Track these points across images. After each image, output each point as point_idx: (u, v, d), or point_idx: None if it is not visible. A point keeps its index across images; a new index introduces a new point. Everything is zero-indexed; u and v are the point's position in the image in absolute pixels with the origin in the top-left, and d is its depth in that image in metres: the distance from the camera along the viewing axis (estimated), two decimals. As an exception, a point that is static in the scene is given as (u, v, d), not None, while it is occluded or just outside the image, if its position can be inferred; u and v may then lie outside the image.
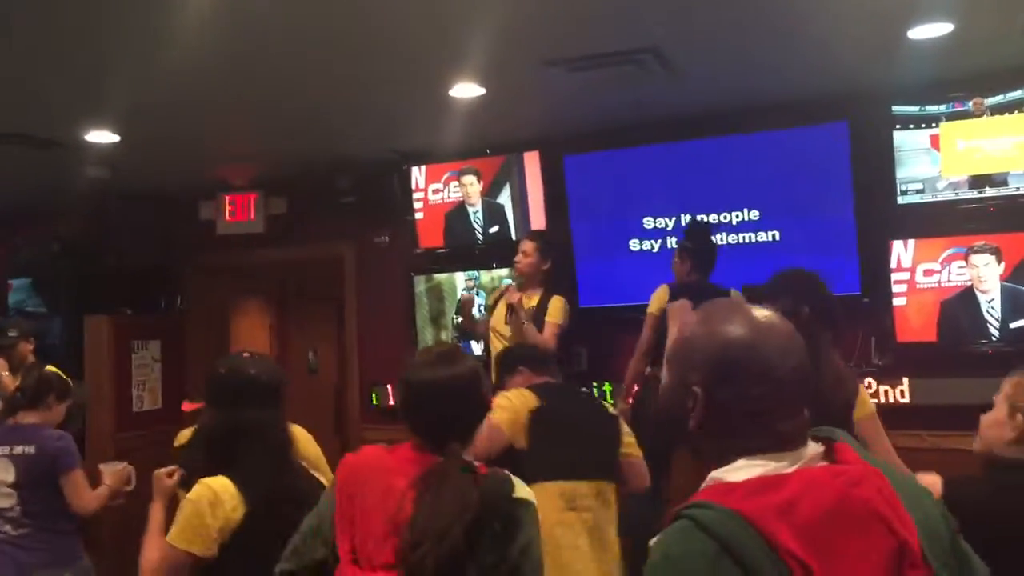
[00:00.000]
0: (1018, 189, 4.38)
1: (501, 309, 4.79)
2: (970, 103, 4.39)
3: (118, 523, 4.59)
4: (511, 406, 3.15)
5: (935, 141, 4.49)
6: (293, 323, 7.91)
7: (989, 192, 4.45)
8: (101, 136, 4.94)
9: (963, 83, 4.35)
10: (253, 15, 3.35)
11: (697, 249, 4.53)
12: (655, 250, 5.21)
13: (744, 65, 4.21)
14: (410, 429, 2.04)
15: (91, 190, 5.93)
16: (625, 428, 3.37)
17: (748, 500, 1.10)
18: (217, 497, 2.27)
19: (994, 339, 4.41)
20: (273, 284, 7.62)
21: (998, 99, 4.35)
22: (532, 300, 4.72)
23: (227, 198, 6.32)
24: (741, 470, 1.18)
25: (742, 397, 1.21)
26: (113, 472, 3.83)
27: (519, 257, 4.80)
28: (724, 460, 1.20)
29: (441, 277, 5.82)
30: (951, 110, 4.46)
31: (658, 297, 4.52)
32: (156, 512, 2.54)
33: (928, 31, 3.70)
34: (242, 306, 7.63)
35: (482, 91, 4.35)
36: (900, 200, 4.58)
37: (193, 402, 3.11)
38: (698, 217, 4.97)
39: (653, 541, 1.16)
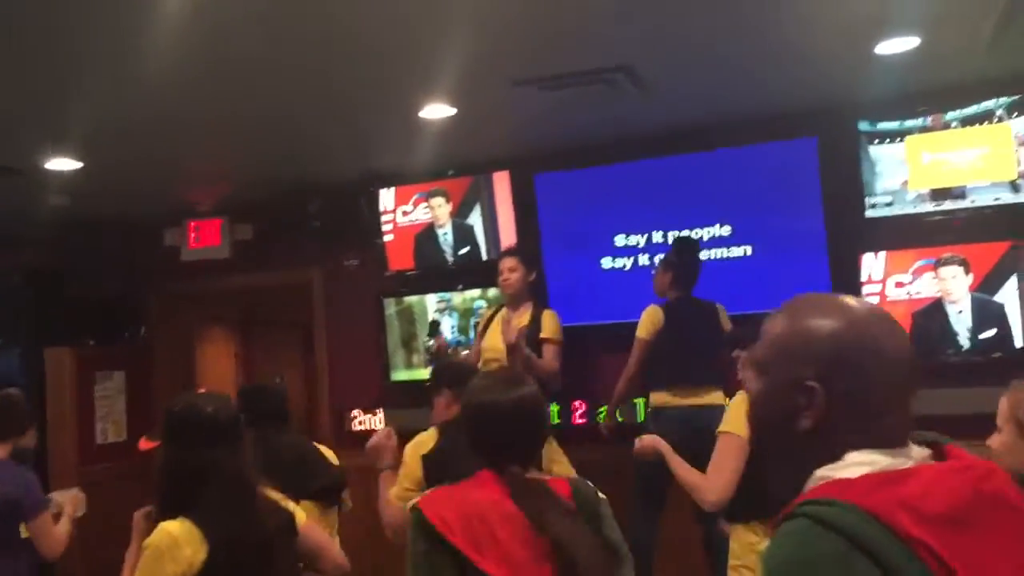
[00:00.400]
0: (975, 201, 4.44)
1: (496, 329, 4.66)
2: (930, 118, 4.46)
3: (95, 568, 4.45)
4: (405, 462, 3.06)
5: (902, 154, 4.55)
6: (259, 350, 7.81)
7: (954, 204, 4.50)
8: (62, 164, 4.84)
9: (930, 97, 4.42)
10: (219, 40, 3.31)
11: (683, 263, 4.52)
12: (627, 268, 5.21)
13: (713, 83, 4.24)
14: (481, 453, 2.02)
15: (52, 218, 5.81)
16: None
17: (872, 494, 1.03)
18: (176, 542, 2.18)
19: (964, 349, 4.46)
20: (239, 311, 7.51)
21: (959, 113, 4.42)
22: (523, 318, 4.59)
23: (192, 224, 6.22)
24: (852, 467, 1.11)
25: (864, 386, 1.14)
26: (71, 499, 3.64)
27: (504, 275, 4.66)
28: (833, 459, 1.13)
29: (412, 300, 5.77)
30: (916, 124, 4.53)
31: (650, 319, 4.47)
32: (132, 555, 2.46)
33: (895, 46, 3.75)
34: (207, 334, 7.52)
35: (453, 111, 4.33)
36: (869, 213, 4.63)
37: (151, 440, 3.01)
38: (684, 233, 4.98)
39: (766, 549, 1.08)
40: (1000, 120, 4.34)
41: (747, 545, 2.84)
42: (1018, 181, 4.35)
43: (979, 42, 3.71)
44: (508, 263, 4.72)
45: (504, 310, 4.72)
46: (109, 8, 3.01)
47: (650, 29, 3.52)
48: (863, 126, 4.58)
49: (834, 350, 1.15)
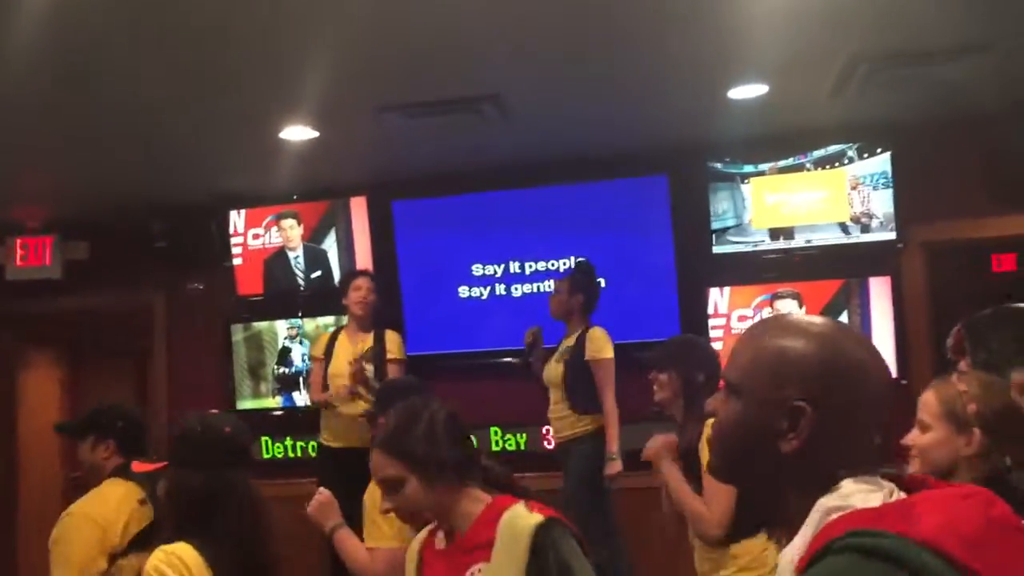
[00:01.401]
0: (810, 241, 4.75)
1: (341, 354, 4.64)
2: (777, 163, 4.74)
3: None
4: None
5: (748, 194, 4.80)
6: (89, 377, 7.33)
7: (789, 243, 4.79)
8: None
9: (778, 140, 4.69)
10: (65, 47, 3.12)
11: (593, 286, 4.47)
12: (484, 297, 5.23)
13: (575, 116, 4.36)
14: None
15: None
16: None
17: (915, 523, 0.97)
18: (186, 566, 2.04)
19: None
20: (68, 335, 7.03)
21: (808, 157, 4.71)
22: (367, 342, 4.64)
23: (19, 241, 5.79)
24: (861, 494, 1.04)
25: (853, 406, 1.09)
26: None
27: (363, 295, 4.65)
28: (823, 487, 1.07)
29: (261, 325, 5.58)
30: (758, 169, 4.79)
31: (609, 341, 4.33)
32: None
33: (745, 92, 3.97)
34: (31, 359, 6.98)
35: (315, 134, 4.25)
36: (716, 249, 4.85)
37: (147, 462, 2.72)
38: (540, 264, 5.06)
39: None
40: (849, 162, 4.64)
41: (760, 555, 2.66)
42: (849, 224, 4.69)
43: (822, 92, 3.98)
44: (367, 283, 4.71)
45: (343, 332, 4.73)
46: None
47: (518, 62, 3.59)
48: (713, 166, 4.81)
49: (822, 368, 1.10)
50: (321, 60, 3.41)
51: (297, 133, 4.24)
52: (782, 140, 4.67)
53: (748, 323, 4.81)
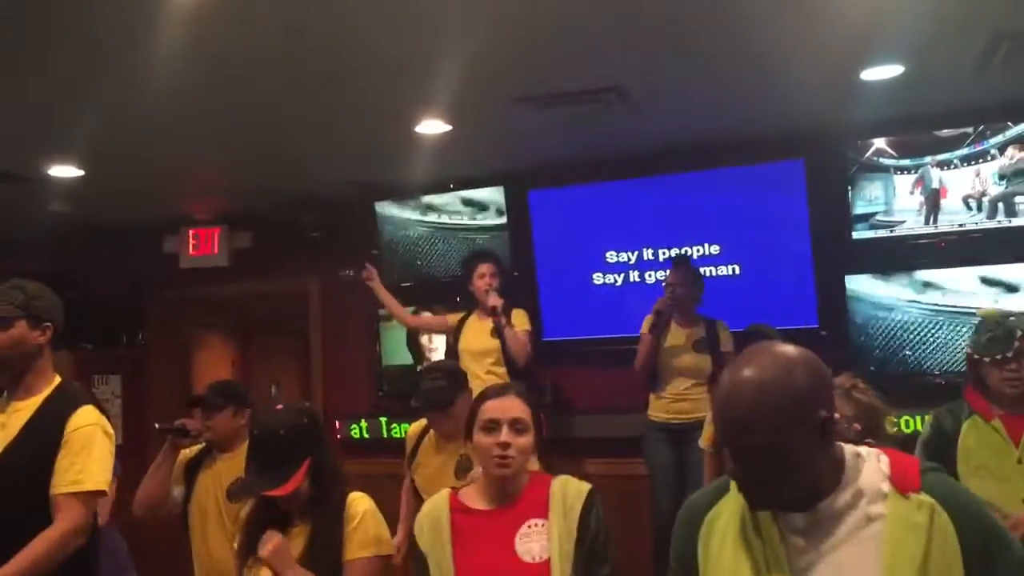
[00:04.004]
0: (963, 225, 4.53)
1: (476, 328, 4.80)
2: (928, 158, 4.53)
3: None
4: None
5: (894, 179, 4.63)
6: (256, 357, 7.88)
7: (936, 228, 4.59)
8: (64, 171, 4.93)
9: (916, 122, 4.49)
10: (220, 49, 3.38)
11: (699, 276, 4.68)
12: (618, 283, 5.28)
13: (703, 104, 4.31)
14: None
15: (53, 223, 5.89)
16: None
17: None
18: None
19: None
20: (236, 318, 7.58)
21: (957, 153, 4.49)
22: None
23: (191, 232, 6.30)
24: (873, 456, 1.52)
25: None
26: None
27: (486, 282, 4.72)
28: (840, 458, 1.50)
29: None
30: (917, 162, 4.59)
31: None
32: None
33: (880, 73, 3.83)
34: (205, 340, 7.58)
35: (448, 127, 4.42)
36: (855, 235, 4.71)
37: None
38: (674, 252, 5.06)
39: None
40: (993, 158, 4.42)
41: None
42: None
43: (962, 72, 3.80)
44: (490, 268, 4.79)
45: (475, 314, 4.85)
46: (113, 16, 3.07)
47: (642, 53, 3.60)
48: (861, 158, 4.66)
49: (823, 380, 1.48)
50: (455, 55, 3.54)
51: (432, 127, 4.41)
52: (920, 122, 4.47)
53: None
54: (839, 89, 4.05)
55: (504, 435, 2.20)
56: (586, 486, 2.24)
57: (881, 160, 4.65)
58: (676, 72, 3.87)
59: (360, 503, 2.48)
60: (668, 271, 4.72)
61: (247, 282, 6.39)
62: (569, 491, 2.21)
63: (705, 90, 4.14)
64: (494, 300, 4.62)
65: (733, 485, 1.57)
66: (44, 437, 2.59)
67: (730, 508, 1.57)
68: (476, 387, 4.52)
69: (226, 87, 3.82)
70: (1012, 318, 3.00)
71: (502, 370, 4.70)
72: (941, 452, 2.93)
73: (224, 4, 3.00)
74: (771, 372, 1.44)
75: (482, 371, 4.69)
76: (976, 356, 2.93)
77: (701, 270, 4.87)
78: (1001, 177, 4.43)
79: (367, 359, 5.95)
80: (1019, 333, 2.82)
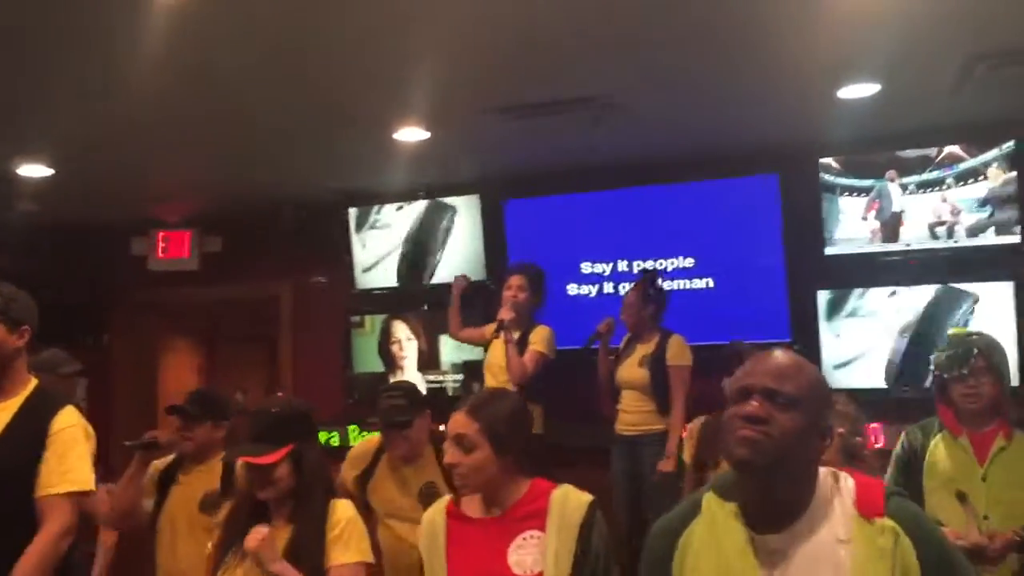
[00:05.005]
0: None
1: (497, 342, 4.64)
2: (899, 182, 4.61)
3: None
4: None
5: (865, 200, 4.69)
6: (223, 363, 7.79)
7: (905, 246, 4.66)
8: (34, 170, 4.85)
9: (891, 140, 4.56)
10: (197, 53, 3.35)
11: (659, 294, 4.65)
12: (592, 295, 5.30)
13: (683, 116, 4.35)
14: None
15: (20, 223, 5.78)
16: None
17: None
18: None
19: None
20: (205, 323, 7.49)
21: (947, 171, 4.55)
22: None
23: (160, 234, 6.22)
24: (842, 479, 1.57)
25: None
26: None
27: (512, 293, 4.62)
28: (815, 479, 1.55)
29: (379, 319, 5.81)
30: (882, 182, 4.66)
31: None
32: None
33: (857, 91, 3.89)
34: (171, 344, 7.48)
35: (427, 135, 4.41)
36: (827, 251, 4.76)
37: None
38: (648, 264, 5.07)
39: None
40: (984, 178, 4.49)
41: None
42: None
43: (938, 91, 3.87)
44: (518, 280, 4.67)
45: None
46: (82, 18, 3.04)
47: (627, 64, 3.62)
48: (827, 178, 4.71)
49: (830, 398, 1.63)
50: (435, 63, 3.54)
51: (410, 135, 4.40)
52: (898, 139, 4.54)
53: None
54: (817, 105, 4.10)
55: (448, 455, 2.17)
56: (586, 498, 2.16)
57: (839, 180, 4.72)
58: (653, 86, 3.91)
59: (345, 510, 2.48)
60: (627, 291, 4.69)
61: (217, 286, 6.32)
62: (569, 504, 2.14)
63: (682, 104, 4.18)
64: (504, 313, 4.54)
65: (706, 502, 1.60)
66: (27, 438, 2.58)
67: (703, 529, 1.59)
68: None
69: (201, 90, 3.78)
70: (975, 336, 3.09)
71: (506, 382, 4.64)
72: (911, 467, 3.00)
73: (201, 8, 2.98)
74: (805, 360, 1.61)
75: (498, 385, 4.65)
76: (937, 372, 3.00)
77: (668, 283, 4.94)
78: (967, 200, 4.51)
79: (338, 366, 5.90)
80: (975, 351, 2.90)
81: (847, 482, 1.55)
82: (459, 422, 2.17)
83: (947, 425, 3.01)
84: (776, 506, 1.52)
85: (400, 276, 5.70)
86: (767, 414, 1.50)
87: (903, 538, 1.47)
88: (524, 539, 2.12)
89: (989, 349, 2.94)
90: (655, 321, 4.59)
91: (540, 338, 4.59)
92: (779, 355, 1.59)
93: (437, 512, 2.26)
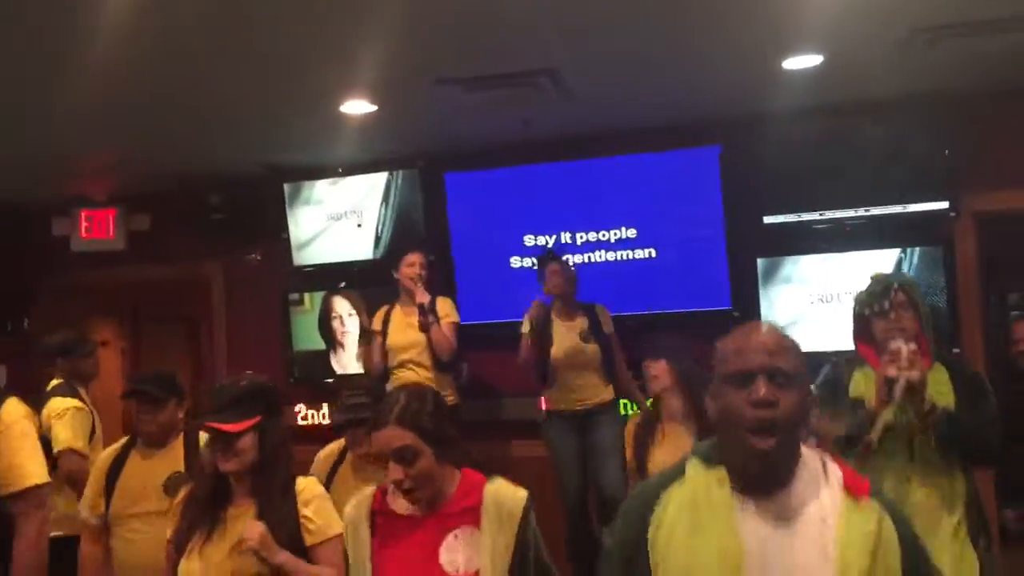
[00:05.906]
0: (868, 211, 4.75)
1: (399, 323, 4.73)
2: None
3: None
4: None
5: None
6: (147, 345, 7.56)
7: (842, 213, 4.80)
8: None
9: (834, 110, 4.67)
10: (125, 27, 3.19)
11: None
12: (536, 267, 5.30)
13: (623, 91, 4.39)
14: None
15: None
16: None
17: None
18: None
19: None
20: (130, 304, 7.25)
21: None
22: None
23: (84, 213, 5.97)
24: (828, 460, 1.63)
25: None
26: None
27: (415, 271, 4.67)
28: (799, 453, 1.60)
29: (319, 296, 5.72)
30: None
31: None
32: None
33: (801, 62, 3.97)
34: (95, 327, 7.19)
35: (373, 108, 4.34)
36: (766, 220, 4.88)
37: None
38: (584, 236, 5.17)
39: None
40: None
41: None
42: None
43: (880, 62, 3.98)
44: (419, 259, 4.74)
45: (397, 306, 4.78)
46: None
47: (574, 36, 3.62)
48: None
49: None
50: (380, 35, 3.47)
51: (357, 107, 4.32)
52: (838, 111, 4.66)
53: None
54: (761, 77, 4.18)
55: (392, 472, 2.05)
56: (522, 493, 2.10)
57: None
58: (598, 59, 3.92)
59: (313, 487, 2.50)
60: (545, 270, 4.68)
61: (144, 266, 6.11)
62: (504, 500, 2.07)
63: (626, 77, 4.21)
64: (422, 296, 4.56)
65: (691, 467, 1.61)
66: None
67: (684, 493, 1.59)
68: (402, 380, 4.52)
69: (130, 64, 3.61)
70: (893, 275, 3.17)
71: (427, 362, 4.66)
72: (834, 396, 2.97)
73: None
74: (779, 327, 1.65)
75: (406, 365, 4.66)
76: (858, 310, 3.05)
77: (611, 254, 5.08)
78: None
79: (276, 345, 5.79)
80: (895, 286, 2.95)
81: (833, 464, 1.60)
82: (394, 435, 2.05)
83: (869, 362, 2.99)
84: (770, 474, 1.54)
85: (340, 251, 5.61)
86: (774, 396, 1.50)
87: (887, 520, 1.53)
88: (455, 537, 2.05)
89: (908, 285, 2.98)
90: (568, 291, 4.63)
91: (451, 308, 4.78)
92: (762, 331, 1.58)
93: (361, 505, 2.15)
